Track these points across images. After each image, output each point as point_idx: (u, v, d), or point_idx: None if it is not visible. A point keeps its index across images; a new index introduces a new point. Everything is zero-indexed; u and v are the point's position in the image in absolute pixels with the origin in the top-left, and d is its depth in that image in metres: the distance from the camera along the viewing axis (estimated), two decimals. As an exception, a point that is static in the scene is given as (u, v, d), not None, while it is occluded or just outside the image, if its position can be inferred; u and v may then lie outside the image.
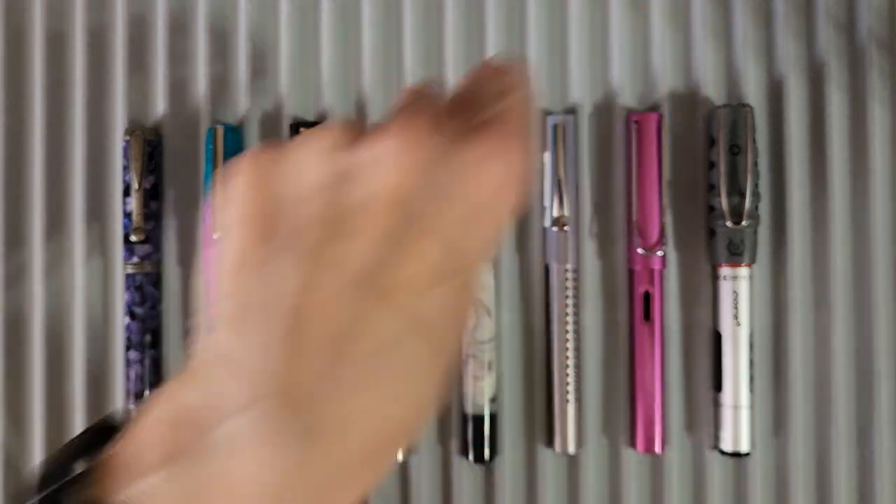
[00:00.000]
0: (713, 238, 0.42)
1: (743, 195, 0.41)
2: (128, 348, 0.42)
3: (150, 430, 0.20)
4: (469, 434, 0.42)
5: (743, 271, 0.42)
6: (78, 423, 0.43)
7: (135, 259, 0.42)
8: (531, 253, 0.43)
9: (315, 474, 0.19)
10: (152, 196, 0.42)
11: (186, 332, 0.43)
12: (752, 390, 0.42)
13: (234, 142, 0.42)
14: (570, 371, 0.42)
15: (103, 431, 0.21)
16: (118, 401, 0.43)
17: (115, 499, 0.19)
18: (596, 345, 0.43)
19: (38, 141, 0.44)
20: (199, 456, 0.19)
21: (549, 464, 0.43)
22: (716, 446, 0.43)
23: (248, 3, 0.44)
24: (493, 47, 0.44)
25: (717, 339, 0.42)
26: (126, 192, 0.42)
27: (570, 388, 0.42)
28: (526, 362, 0.43)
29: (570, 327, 0.42)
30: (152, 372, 0.42)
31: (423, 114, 0.22)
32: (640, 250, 0.42)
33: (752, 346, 0.42)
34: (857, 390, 0.43)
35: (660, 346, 0.42)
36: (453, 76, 0.44)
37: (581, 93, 0.43)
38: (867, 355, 0.43)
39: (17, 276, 0.43)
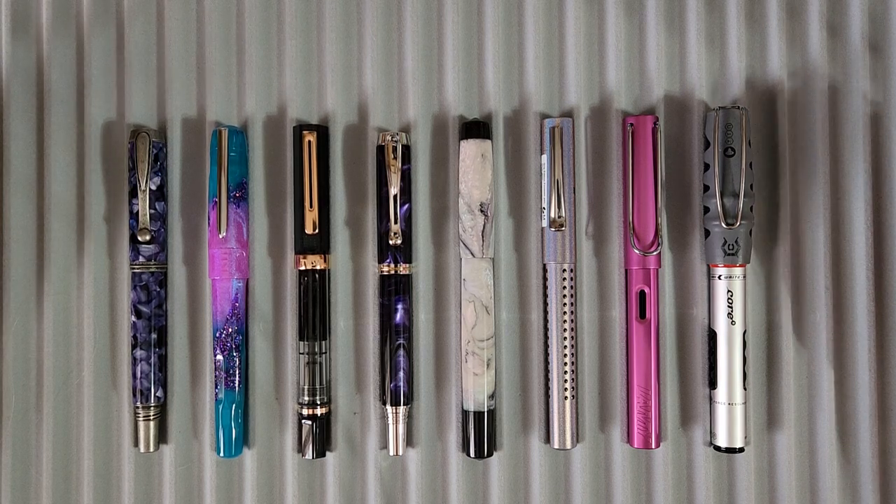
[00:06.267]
0: (708, 238, 0.43)
1: (737, 196, 0.41)
2: (134, 346, 0.43)
3: None
4: (468, 430, 0.43)
5: (737, 271, 0.42)
6: (86, 419, 0.44)
7: (141, 259, 0.43)
8: (529, 252, 0.44)
9: None
10: (158, 197, 0.43)
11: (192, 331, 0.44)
12: (745, 387, 0.43)
13: (238, 144, 0.43)
14: (568, 368, 0.42)
15: None
16: (125, 397, 0.44)
17: None
18: (592, 343, 0.44)
19: (49, 144, 0.44)
20: None
21: (546, 459, 0.44)
22: (711, 442, 0.43)
23: (253, 6, 0.44)
24: (491, 51, 0.44)
25: (712, 337, 0.43)
26: (132, 193, 0.43)
27: (568, 384, 0.42)
28: (524, 360, 0.44)
29: (567, 325, 0.43)
30: (158, 370, 0.43)
31: None
32: (636, 250, 0.42)
33: (745, 344, 0.43)
34: (847, 387, 0.44)
35: (655, 344, 0.43)
36: (453, 79, 0.44)
37: (578, 96, 0.44)
38: (852, 354, 0.44)
39: (25, 276, 0.44)
